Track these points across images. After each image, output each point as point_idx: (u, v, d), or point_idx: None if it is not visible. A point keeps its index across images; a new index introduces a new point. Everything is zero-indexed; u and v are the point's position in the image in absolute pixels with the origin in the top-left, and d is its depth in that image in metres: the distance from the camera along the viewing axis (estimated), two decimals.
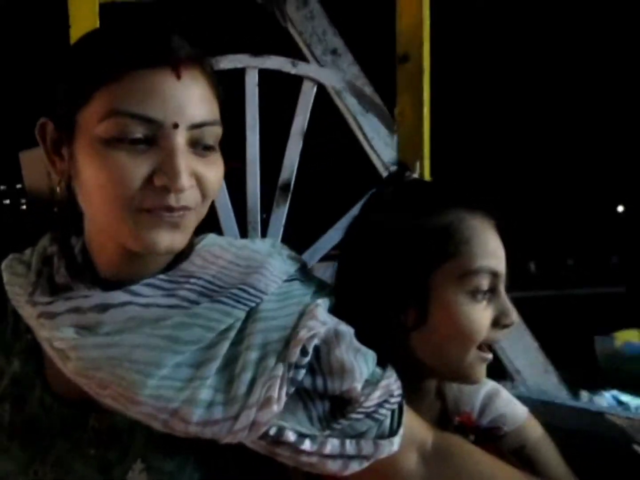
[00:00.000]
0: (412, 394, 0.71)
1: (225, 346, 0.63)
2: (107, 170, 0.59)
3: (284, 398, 0.60)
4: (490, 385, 0.81)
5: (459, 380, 0.77)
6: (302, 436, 0.61)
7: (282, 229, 1.19)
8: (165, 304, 0.65)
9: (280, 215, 1.21)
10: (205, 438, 0.60)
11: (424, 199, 0.75)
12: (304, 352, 0.63)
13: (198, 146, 0.63)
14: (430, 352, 0.73)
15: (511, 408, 0.79)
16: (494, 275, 0.71)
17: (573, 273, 12.28)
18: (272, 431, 0.60)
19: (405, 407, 0.67)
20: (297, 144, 1.23)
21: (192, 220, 0.65)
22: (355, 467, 0.62)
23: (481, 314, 0.71)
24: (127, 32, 0.63)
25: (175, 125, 0.59)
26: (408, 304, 0.71)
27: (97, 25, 1.15)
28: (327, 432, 0.62)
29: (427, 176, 1.15)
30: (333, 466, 0.62)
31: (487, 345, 0.73)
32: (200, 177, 0.63)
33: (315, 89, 1.26)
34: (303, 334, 0.63)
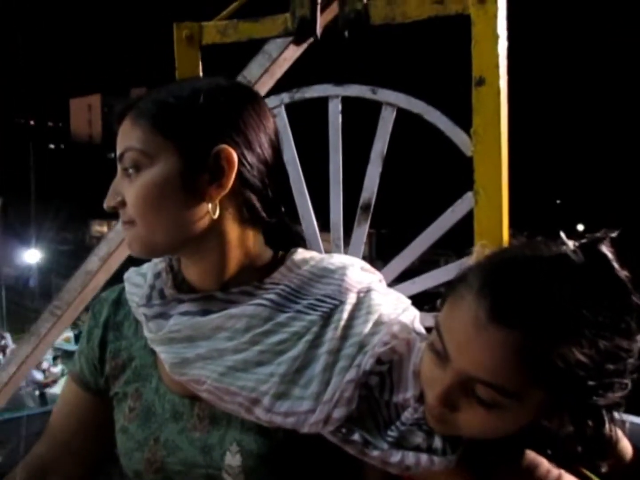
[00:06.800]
0: None
1: (303, 348, 0.72)
2: None
3: (356, 399, 0.69)
4: None
5: None
6: (368, 443, 0.68)
7: (362, 247, 1.26)
8: (253, 311, 0.75)
9: (361, 233, 1.27)
10: (287, 428, 0.69)
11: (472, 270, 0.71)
12: (379, 362, 0.71)
13: (125, 169, 0.76)
14: None
15: None
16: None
17: None
18: (344, 430, 0.68)
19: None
20: (377, 167, 1.30)
21: (137, 232, 0.77)
22: (413, 471, 0.69)
23: (433, 371, 0.67)
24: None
25: (119, 157, 0.78)
26: None
27: (199, 69, 1.29)
28: (390, 440, 0.69)
29: (504, 201, 1.07)
30: (393, 469, 0.69)
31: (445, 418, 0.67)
32: (124, 196, 0.76)
33: (394, 114, 1.32)
34: (379, 346, 0.71)
